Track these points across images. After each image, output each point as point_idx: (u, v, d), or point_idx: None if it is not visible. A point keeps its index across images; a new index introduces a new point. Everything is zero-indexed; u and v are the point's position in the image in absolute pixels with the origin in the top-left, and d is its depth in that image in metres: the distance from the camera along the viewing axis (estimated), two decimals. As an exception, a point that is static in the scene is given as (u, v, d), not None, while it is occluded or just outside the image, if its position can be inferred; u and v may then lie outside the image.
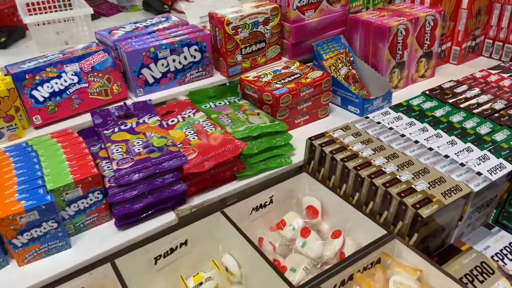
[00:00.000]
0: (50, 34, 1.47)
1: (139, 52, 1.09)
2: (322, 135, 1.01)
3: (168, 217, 0.90)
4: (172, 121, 1.05)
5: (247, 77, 1.21)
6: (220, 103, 1.17)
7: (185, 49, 1.14)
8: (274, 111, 1.13)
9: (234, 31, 1.18)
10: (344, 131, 1.02)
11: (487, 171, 0.84)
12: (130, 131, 0.98)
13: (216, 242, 0.91)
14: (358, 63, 1.35)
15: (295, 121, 1.19)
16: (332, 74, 1.28)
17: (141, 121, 1.01)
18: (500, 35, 1.49)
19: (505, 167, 0.85)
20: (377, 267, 0.78)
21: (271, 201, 0.98)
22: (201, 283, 0.88)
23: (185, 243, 0.88)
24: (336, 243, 0.88)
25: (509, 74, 1.23)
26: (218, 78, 1.25)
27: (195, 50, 1.16)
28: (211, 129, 1.00)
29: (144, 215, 0.87)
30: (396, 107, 1.10)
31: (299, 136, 1.09)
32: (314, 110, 1.21)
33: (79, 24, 1.48)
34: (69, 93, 1.04)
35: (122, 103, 1.07)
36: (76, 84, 1.04)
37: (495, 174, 0.83)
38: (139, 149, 0.90)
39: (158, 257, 0.85)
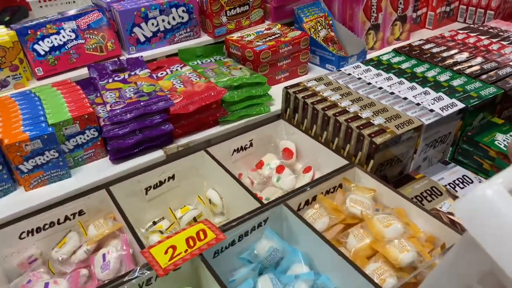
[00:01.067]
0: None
1: (130, 12, 1.19)
2: (297, 85, 1.11)
3: (157, 154, 1.01)
4: (161, 73, 1.15)
5: (232, 37, 1.30)
6: (206, 60, 1.27)
7: (173, 10, 1.24)
8: (256, 67, 1.23)
9: (218, -7, 1.28)
10: (317, 81, 1.12)
11: (440, 108, 0.94)
12: (122, 81, 1.08)
13: (202, 179, 1.02)
14: (337, 26, 1.44)
15: (276, 77, 1.29)
16: (312, 35, 1.38)
17: (132, 73, 1.12)
18: (473, 0, 1.57)
19: (456, 105, 0.95)
20: (338, 190, 0.89)
21: (251, 144, 1.09)
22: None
23: (173, 177, 0.98)
24: (306, 176, 0.99)
25: (476, 34, 1.32)
26: (205, 38, 1.35)
27: (183, 11, 1.26)
28: (196, 79, 1.11)
29: (136, 150, 0.98)
30: (367, 62, 1.20)
31: (279, 91, 1.19)
32: (293, 67, 1.31)
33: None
34: (67, 48, 1.14)
35: (116, 58, 1.18)
36: (74, 40, 1.15)
37: (446, 111, 0.93)
38: (130, 95, 1.01)
39: (149, 188, 0.96)
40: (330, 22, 1.44)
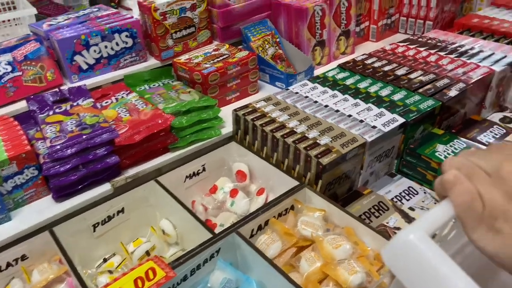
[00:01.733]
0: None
1: (70, 40, 1.15)
2: (246, 106, 1.11)
3: (104, 188, 0.97)
4: (106, 102, 1.12)
5: (179, 59, 1.29)
6: (154, 85, 1.25)
7: (116, 35, 1.21)
8: (205, 89, 1.22)
9: (162, 17, 1.26)
10: (266, 102, 1.13)
11: (381, 124, 0.97)
12: (64, 113, 1.04)
13: (154, 209, 1.00)
14: (284, 44, 1.46)
15: (226, 98, 1.29)
16: (260, 54, 1.39)
17: (75, 104, 1.08)
18: (412, 11, 1.65)
19: (397, 120, 0.98)
20: (289, 213, 0.90)
21: (204, 169, 1.07)
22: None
23: (122, 210, 0.95)
24: (260, 199, 1.00)
25: (415, 45, 1.38)
26: (152, 62, 1.33)
27: (126, 36, 1.23)
28: (142, 107, 1.08)
29: (80, 186, 0.94)
30: (314, 79, 1.22)
31: (231, 112, 1.19)
32: (243, 87, 1.31)
33: (24, 25, 1.51)
34: (3, 81, 1.09)
35: (57, 89, 1.13)
36: (10, 73, 1.09)
37: (388, 126, 0.96)
38: (72, 128, 0.97)
39: (96, 225, 0.92)
40: (278, 40, 1.46)
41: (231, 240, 0.82)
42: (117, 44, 1.23)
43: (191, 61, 1.27)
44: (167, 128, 1.04)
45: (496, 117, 1.25)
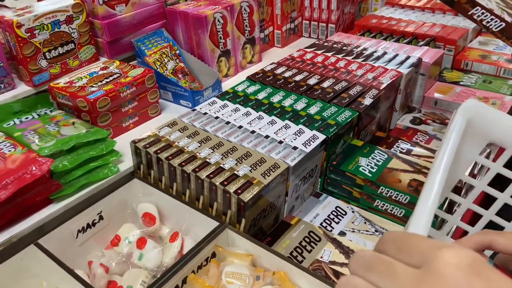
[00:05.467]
0: None
1: None
2: (147, 135, 0.94)
3: (-37, 268, 0.73)
4: (-41, 149, 0.86)
5: (57, 84, 1.06)
6: (27, 117, 1.01)
7: (-34, 60, 0.95)
8: (94, 118, 1.02)
9: (29, 34, 1.02)
10: (170, 127, 0.97)
11: (302, 144, 0.88)
12: None
13: (38, 279, 0.78)
14: (185, 56, 1.31)
15: (122, 124, 1.09)
16: (158, 69, 1.22)
17: None
18: (314, 15, 1.61)
19: (318, 138, 0.90)
20: (211, 263, 0.76)
21: (101, 217, 0.88)
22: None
23: (-6, 291, 0.73)
24: (174, 246, 0.84)
25: (322, 51, 1.33)
26: (22, 89, 1.07)
27: (-18, 60, 0.98)
28: (9, 151, 0.85)
29: None
30: (223, 96, 1.09)
31: (130, 140, 1.00)
32: (142, 110, 1.13)
33: None
34: None
35: None
36: None
37: (309, 146, 0.87)
38: None
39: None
40: (177, 51, 1.30)
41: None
42: (-31, 71, 0.96)
43: (73, 85, 1.06)
44: (45, 176, 0.82)
45: (406, 118, 1.25)
